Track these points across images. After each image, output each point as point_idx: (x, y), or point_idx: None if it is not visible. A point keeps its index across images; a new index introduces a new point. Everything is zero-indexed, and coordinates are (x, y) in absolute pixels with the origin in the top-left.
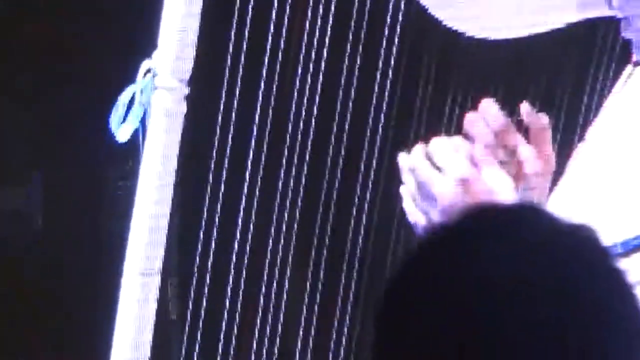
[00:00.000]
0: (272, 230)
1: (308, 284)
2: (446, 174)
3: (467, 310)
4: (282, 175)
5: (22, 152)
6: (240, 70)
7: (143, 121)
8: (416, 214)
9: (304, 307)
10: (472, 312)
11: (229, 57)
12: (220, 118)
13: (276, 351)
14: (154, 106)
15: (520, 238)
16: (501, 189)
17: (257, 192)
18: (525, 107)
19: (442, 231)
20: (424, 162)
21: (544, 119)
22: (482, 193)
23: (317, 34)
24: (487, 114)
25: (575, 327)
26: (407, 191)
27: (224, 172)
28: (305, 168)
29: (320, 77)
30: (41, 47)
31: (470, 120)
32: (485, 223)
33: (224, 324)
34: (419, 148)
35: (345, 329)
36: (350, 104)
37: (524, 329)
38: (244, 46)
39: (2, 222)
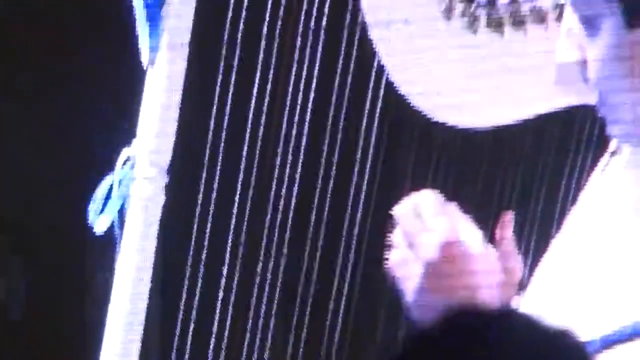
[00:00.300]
0: (255, 296)
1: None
2: (432, 235)
3: None
4: (264, 244)
5: (2, 241)
6: (220, 158)
7: (121, 212)
8: (400, 273)
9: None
10: None
11: (208, 146)
12: (199, 208)
13: None
14: (132, 196)
15: (500, 343)
16: (478, 254)
17: (237, 271)
18: (506, 220)
19: (424, 336)
20: (412, 221)
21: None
22: (461, 258)
23: (296, 116)
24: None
25: None
26: (392, 250)
27: (203, 258)
28: (289, 228)
29: (301, 157)
30: (41, 47)
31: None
32: (463, 327)
33: None
34: (407, 203)
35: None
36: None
37: None
38: (224, 134)
39: None
